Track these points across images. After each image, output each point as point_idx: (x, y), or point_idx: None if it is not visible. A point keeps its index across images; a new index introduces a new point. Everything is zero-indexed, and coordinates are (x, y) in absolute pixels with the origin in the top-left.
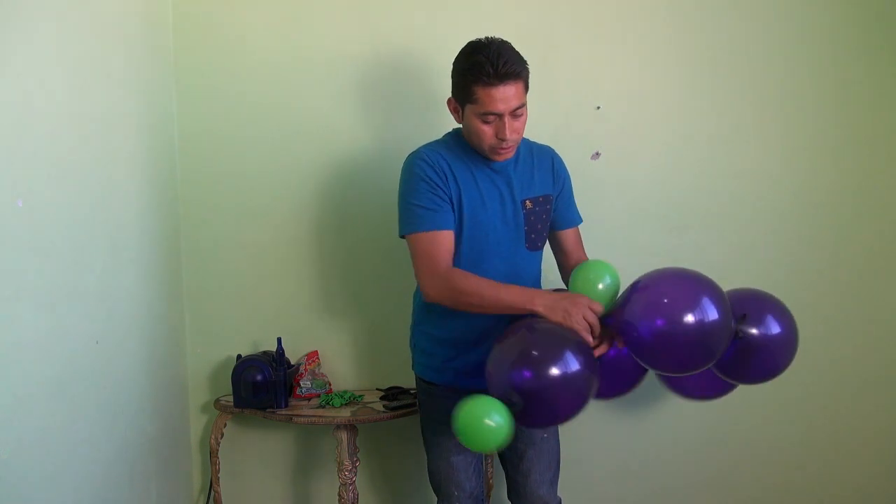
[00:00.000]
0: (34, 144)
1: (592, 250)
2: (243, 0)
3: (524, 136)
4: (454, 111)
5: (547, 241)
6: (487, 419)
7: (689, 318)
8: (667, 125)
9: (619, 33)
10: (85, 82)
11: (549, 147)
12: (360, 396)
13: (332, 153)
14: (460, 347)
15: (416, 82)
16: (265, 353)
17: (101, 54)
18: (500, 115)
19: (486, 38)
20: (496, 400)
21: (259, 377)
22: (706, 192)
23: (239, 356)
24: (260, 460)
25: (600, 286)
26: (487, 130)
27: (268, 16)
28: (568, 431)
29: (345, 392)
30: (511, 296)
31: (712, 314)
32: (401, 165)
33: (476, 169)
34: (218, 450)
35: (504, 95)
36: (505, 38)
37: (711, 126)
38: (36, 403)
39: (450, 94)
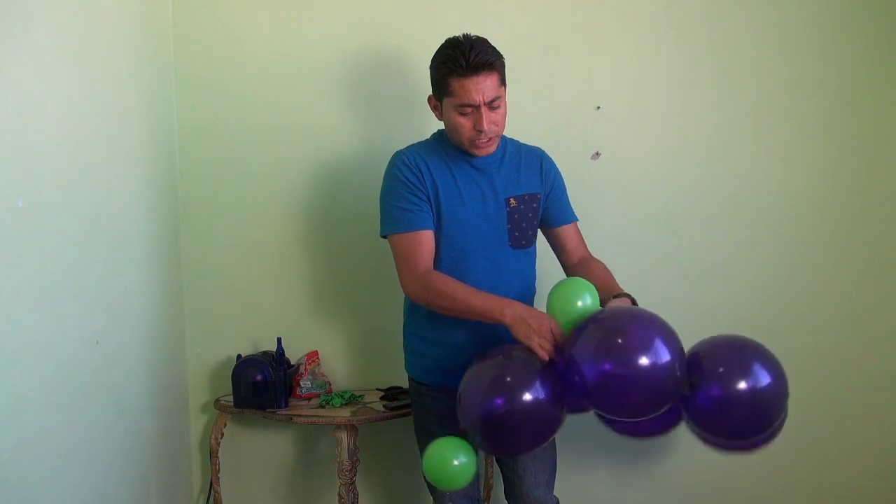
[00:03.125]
0: (34, 144)
1: (592, 250)
2: (243, 1)
3: (515, 137)
4: (434, 108)
5: (540, 241)
6: (455, 460)
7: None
8: (667, 125)
9: (619, 33)
10: (85, 82)
11: (540, 148)
12: (360, 396)
13: (333, 153)
14: (448, 348)
15: (418, 81)
16: (265, 353)
17: (101, 54)
18: (476, 107)
19: (463, 34)
20: (460, 440)
21: (259, 377)
22: (706, 193)
23: (239, 356)
24: (260, 460)
25: (579, 304)
26: (465, 123)
27: (267, 15)
28: (565, 432)
29: (345, 392)
30: (482, 302)
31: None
32: None
33: (457, 167)
34: (218, 450)
35: (478, 86)
36: (505, 38)
37: (711, 126)
38: (36, 403)
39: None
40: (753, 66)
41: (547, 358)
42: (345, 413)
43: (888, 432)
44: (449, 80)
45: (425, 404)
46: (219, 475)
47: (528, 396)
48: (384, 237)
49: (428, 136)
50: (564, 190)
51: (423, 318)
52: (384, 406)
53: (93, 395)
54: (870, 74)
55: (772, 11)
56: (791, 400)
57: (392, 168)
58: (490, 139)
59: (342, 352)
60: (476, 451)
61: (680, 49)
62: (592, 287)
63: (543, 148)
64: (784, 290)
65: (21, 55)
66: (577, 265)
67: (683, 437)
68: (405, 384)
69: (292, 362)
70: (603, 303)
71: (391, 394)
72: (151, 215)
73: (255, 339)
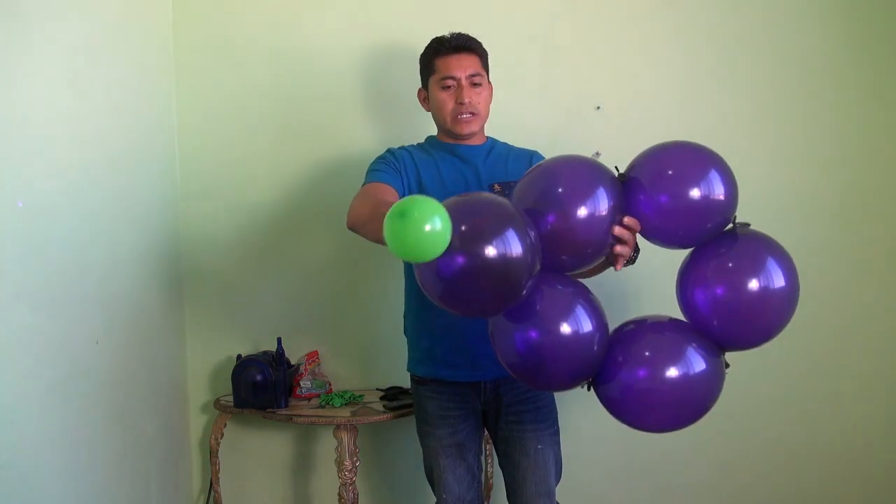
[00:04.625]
0: (34, 144)
1: None
2: (243, 2)
3: (515, 137)
4: (423, 100)
5: None
6: (427, 225)
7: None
8: (667, 125)
9: (619, 33)
10: (85, 82)
11: (533, 150)
12: (360, 396)
13: (333, 153)
14: (435, 333)
15: (415, 84)
16: (265, 353)
17: (101, 54)
18: (457, 80)
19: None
20: (436, 202)
21: (259, 377)
22: None
23: (239, 356)
24: (260, 460)
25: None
26: (447, 98)
27: (267, 15)
28: (566, 429)
29: (345, 392)
30: (374, 206)
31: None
32: None
33: (442, 160)
34: (218, 450)
35: (459, 62)
36: (505, 39)
37: (711, 126)
38: (36, 404)
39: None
40: (753, 65)
41: None
42: (345, 413)
43: (888, 432)
44: (433, 59)
45: (422, 403)
46: (219, 475)
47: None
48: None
49: (423, 138)
50: None
51: (413, 305)
52: (384, 406)
53: (93, 395)
54: (871, 74)
55: (772, 11)
56: (791, 400)
57: (376, 158)
58: (472, 115)
59: (342, 352)
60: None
61: (680, 49)
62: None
63: (543, 148)
64: None
65: (21, 55)
66: None
67: (686, 435)
68: (405, 384)
69: (292, 362)
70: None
71: (391, 394)
72: (151, 215)
73: (255, 339)
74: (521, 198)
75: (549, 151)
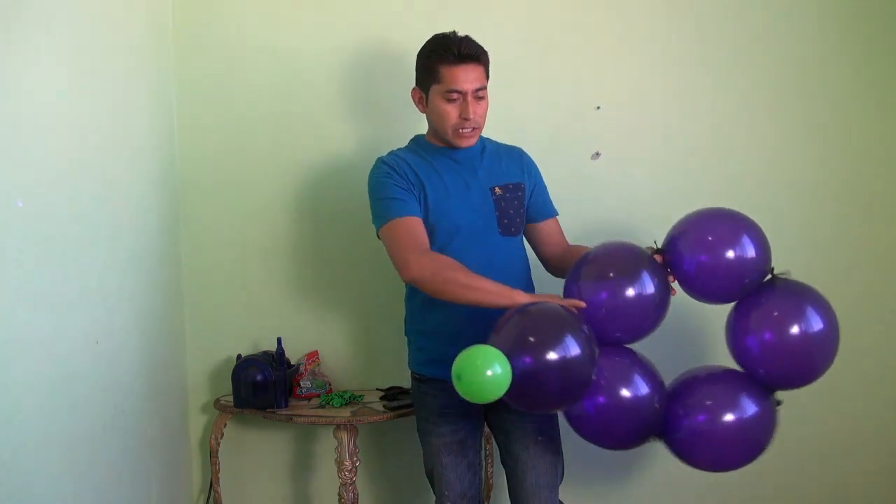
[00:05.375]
0: (34, 144)
1: None
2: (243, 1)
3: (515, 137)
4: (418, 102)
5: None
6: (489, 370)
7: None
8: (667, 125)
9: (618, 33)
10: (85, 82)
11: (518, 147)
12: (360, 396)
13: (333, 153)
14: (444, 338)
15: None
16: (265, 353)
17: (101, 54)
18: (463, 95)
19: (451, 31)
20: (496, 350)
21: (259, 377)
22: (706, 193)
23: (239, 356)
24: (260, 460)
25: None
26: (451, 111)
27: (268, 15)
28: (567, 429)
29: (345, 392)
30: (494, 284)
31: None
32: None
33: (438, 163)
34: (218, 450)
35: (467, 75)
36: (505, 38)
37: (712, 126)
38: (36, 403)
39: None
40: (753, 65)
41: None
42: (345, 413)
43: (889, 433)
44: (438, 66)
45: (425, 400)
46: (219, 475)
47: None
48: (378, 231)
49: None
50: (545, 185)
51: (418, 309)
52: (384, 406)
53: (93, 395)
54: (872, 73)
55: (772, 11)
56: (791, 399)
57: (375, 170)
58: (473, 130)
59: (342, 352)
60: (511, 363)
61: (680, 49)
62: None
63: (543, 148)
64: None
65: (21, 55)
66: (563, 256)
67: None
68: (405, 384)
69: (292, 362)
70: None
71: (391, 394)
72: (151, 215)
73: (255, 339)
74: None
75: (549, 151)
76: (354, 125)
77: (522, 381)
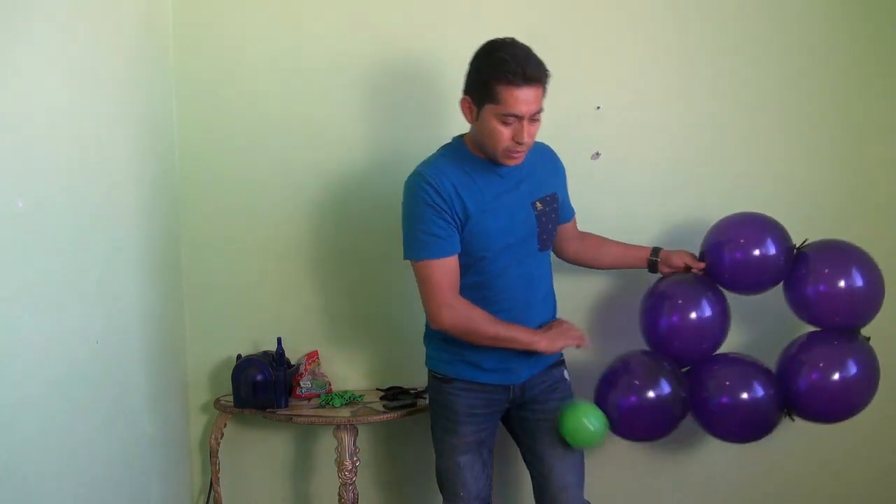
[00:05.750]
0: (34, 145)
1: None
2: (243, 2)
3: None
4: (467, 111)
5: None
6: (587, 421)
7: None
8: (667, 125)
9: (619, 33)
10: (85, 83)
11: (547, 145)
12: (360, 396)
13: (332, 154)
14: (473, 345)
15: (417, 84)
16: (265, 353)
17: (101, 55)
18: (520, 118)
19: (509, 38)
20: (594, 406)
21: (259, 377)
22: (706, 193)
23: (239, 356)
24: (260, 460)
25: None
26: (505, 132)
27: (268, 16)
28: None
29: (345, 392)
30: (516, 333)
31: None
32: (400, 166)
33: (482, 178)
34: (218, 450)
35: (528, 97)
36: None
37: (711, 126)
38: (36, 403)
39: (463, 94)
40: (754, 65)
41: (586, 341)
42: (345, 413)
43: (889, 433)
44: (497, 86)
45: (446, 400)
46: (219, 475)
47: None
48: (411, 262)
49: (427, 140)
50: (565, 181)
51: None
52: (384, 406)
53: (93, 395)
54: (873, 73)
55: (772, 11)
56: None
57: (417, 190)
58: (524, 151)
59: (342, 352)
60: (609, 420)
61: (680, 49)
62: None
63: None
64: (783, 290)
65: (21, 56)
66: (581, 249)
67: (687, 436)
68: (405, 384)
69: (292, 362)
70: (638, 262)
71: (391, 394)
72: (151, 215)
73: (255, 339)
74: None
75: None
76: (356, 125)
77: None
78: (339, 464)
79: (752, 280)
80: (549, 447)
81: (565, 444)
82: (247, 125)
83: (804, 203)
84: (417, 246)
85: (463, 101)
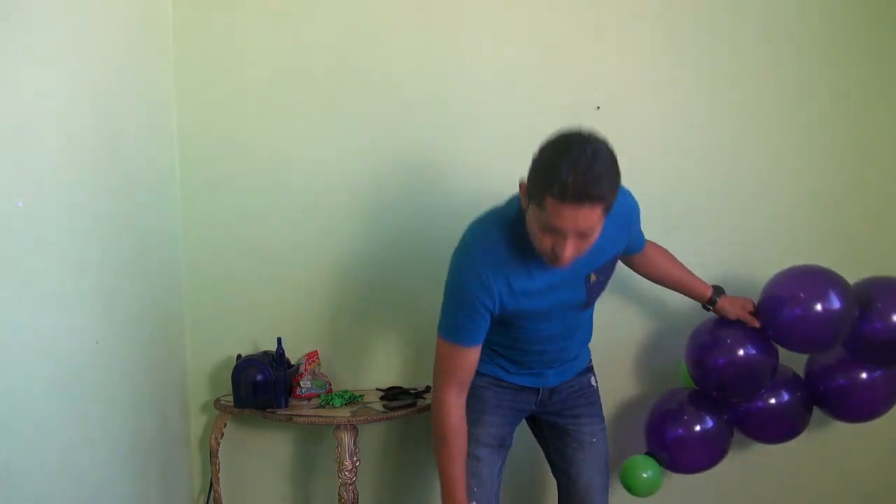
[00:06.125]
0: (34, 145)
1: None
2: (243, 3)
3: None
4: (522, 195)
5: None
6: (645, 473)
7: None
8: (667, 125)
9: (618, 34)
10: (85, 83)
11: (630, 199)
12: (360, 396)
13: (332, 154)
14: (506, 356)
15: (415, 84)
16: (265, 353)
17: (101, 54)
18: (563, 234)
19: (587, 134)
20: (648, 456)
21: (259, 377)
22: (706, 193)
23: (239, 356)
24: (260, 460)
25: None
26: (546, 241)
27: (268, 15)
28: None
29: (345, 392)
30: (451, 480)
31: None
32: (400, 167)
33: (536, 265)
34: (218, 450)
35: (575, 216)
36: (505, 38)
37: (711, 126)
38: (36, 403)
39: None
40: (754, 65)
41: None
42: (345, 413)
43: (888, 434)
44: (545, 193)
45: (475, 392)
46: (219, 475)
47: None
48: (439, 332)
49: (425, 140)
50: (639, 222)
51: (487, 343)
52: (384, 406)
53: (93, 395)
54: (870, 75)
55: (771, 11)
56: None
57: (465, 279)
58: (568, 262)
59: (342, 352)
60: (661, 467)
61: (680, 49)
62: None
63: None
64: None
65: (21, 56)
66: (641, 262)
67: None
68: (405, 384)
69: (292, 362)
70: (695, 296)
71: (391, 394)
72: (151, 215)
73: (255, 339)
74: None
75: None
76: (356, 125)
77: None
78: (339, 464)
79: (811, 342)
80: (578, 450)
81: (596, 448)
82: (247, 126)
83: (804, 203)
84: (448, 326)
85: (521, 186)
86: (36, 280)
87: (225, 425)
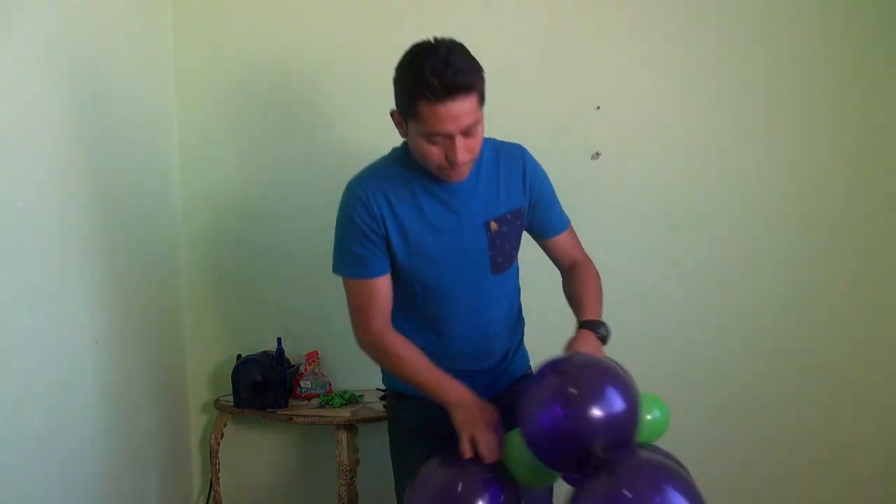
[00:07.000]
0: (34, 145)
1: (592, 251)
2: (242, 3)
3: (515, 138)
4: (398, 124)
5: (522, 254)
6: (648, 415)
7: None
8: (667, 125)
9: (619, 34)
10: (85, 83)
11: (519, 147)
12: (360, 396)
13: (332, 154)
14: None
15: None
16: (265, 353)
17: (101, 54)
18: (450, 136)
19: (434, 39)
20: (654, 396)
21: (259, 377)
22: (706, 193)
23: (239, 356)
24: (260, 460)
25: (648, 417)
26: (435, 151)
27: (268, 15)
28: None
29: (345, 392)
30: (428, 379)
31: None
32: None
33: (424, 195)
34: (218, 450)
35: (453, 113)
36: (505, 39)
37: (711, 126)
38: (36, 404)
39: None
40: (754, 65)
41: (468, 455)
42: (345, 413)
43: (888, 433)
44: (417, 103)
45: (401, 418)
46: (219, 475)
47: None
48: (335, 274)
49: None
50: (553, 194)
51: (397, 327)
52: (384, 406)
53: (93, 395)
54: (870, 75)
55: (772, 11)
56: (791, 399)
57: (347, 206)
58: (464, 168)
59: (342, 352)
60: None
61: (680, 49)
62: (659, 401)
63: (543, 149)
64: (785, 290)
65: (21, 56)
66: (566, 273)
67: (690, 436)
68: None
69: (292, 362)
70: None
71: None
72: (151, 215)
73: (255, 339)
74: None
75: (549, 152)
76: (356, 125)
77: None
78: (339, 464)
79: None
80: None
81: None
82: (247, 125)
83: (804, 202)
84: (342, 262)
85: (393, 114)
86: (36, 280)
87: (225, 425)
